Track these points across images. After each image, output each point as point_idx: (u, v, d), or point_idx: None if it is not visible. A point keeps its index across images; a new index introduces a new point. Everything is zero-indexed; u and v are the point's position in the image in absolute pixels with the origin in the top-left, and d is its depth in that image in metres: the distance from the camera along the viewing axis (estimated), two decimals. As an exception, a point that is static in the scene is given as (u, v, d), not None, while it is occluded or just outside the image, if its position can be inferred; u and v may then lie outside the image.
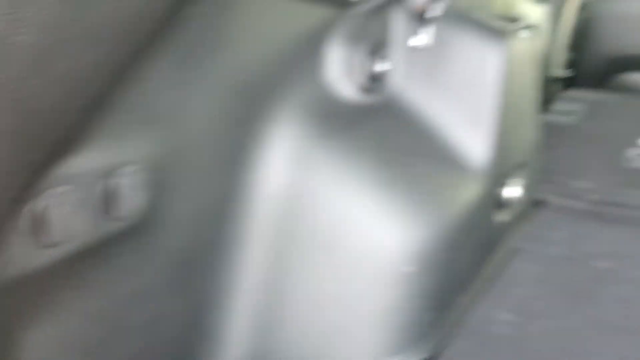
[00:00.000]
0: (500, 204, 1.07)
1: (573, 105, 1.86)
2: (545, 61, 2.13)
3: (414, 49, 0.87)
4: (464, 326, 0.88)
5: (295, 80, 0.80)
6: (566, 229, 1.19)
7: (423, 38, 0.83)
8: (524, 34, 1.07)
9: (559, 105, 1.88)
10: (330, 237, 0.79)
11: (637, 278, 1.02)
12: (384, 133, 0.85)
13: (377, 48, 0.86)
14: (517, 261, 1.06)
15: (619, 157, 1.55)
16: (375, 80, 0.86)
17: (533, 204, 1.31)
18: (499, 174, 1.01)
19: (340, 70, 0.84)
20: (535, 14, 1.99)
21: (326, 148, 0.81)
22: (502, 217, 1.07)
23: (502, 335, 0.86)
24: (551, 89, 2.19)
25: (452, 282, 0.89)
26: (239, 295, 0.79)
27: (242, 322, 0.78)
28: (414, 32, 0.83)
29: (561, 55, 2.24)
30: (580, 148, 1.61)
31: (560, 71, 2.23)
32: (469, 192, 0.90)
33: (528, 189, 1.16)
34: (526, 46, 1.06)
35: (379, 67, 0.86)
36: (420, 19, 0.82)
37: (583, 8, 2.17)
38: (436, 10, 0.82)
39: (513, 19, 1.39)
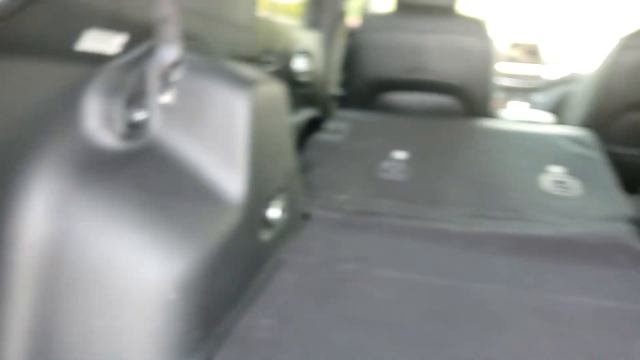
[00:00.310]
0: (266, 223, 1.23)
1: (341, 124, 2.15)
2: (323, 81, 2.41)
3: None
4: (231, 335, 1.01)
5: (52, 135, 0.85)
6: (324, 239, 1.42)
7: (168, 97, 0.94)
8: (272, 79, 1.24)
9: (329, 125, 2.16)
10: (97, 277, 0.86)
11: (376, 276, 1.27)
12: (145, 177, 0.94)
13: (135, 98, 0.95)
14: (280, 271, 1.24)
15: (375, 170, 1.86)
16: (134, 128, 0.95)
17: (302, 217, 1.52)
18: (260, 200, 1.17)
19: (99, 121, 0.91)
20: (309, 40, 2.25)
21: (88, 195, 0.87)
22: (267, 234, 1.24)
23: (262, 339, 1.02)
24: (330, 105, 2.50)
25: (219, 299, 1.02)
26: (6, 344, 0.81)
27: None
28: (162, 90, 0.94)
29: (335, 76, 2.55)
30: (344, 164, 1.88)
31: (335, 90, 2.55)
32: (228, 221, 1.04)
33: (291, 207, 1.35)
34: (274, 88, 1.23)
35: (138, 116, 0.95)
36: (164, 80, 0.93)
37: (350, 36, 2.50)
38: (176, 75, 0.93)
39: (270, 60, 1.57)
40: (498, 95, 3.37)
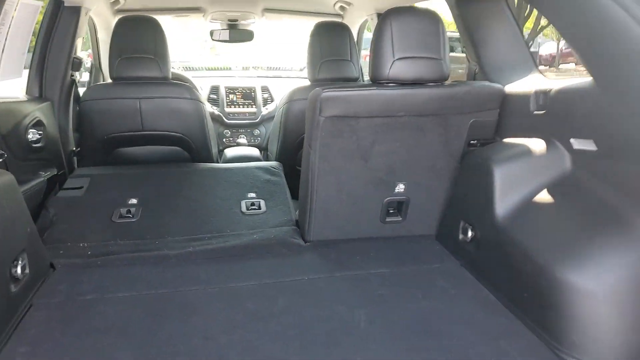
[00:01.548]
0: (14, 278, 1.61)
1: (80, 180, 2.55)
2: (60, 143, 2.75)
3: None
4: None
5: None
6: (67, 281, 1.84)
7: None
8: None
9: (69, 182, 2.54)
10: None
11: (110, 299, 1.73)
12: None
13: None
14: (31, 313, 1.63)
15: (112, 216, 2.31)
16: None
17: (49, 267, 1.90)
18: (4, 262, 1.55)
19: None
20: (40, 111, 2.57)
21: None
22: (16, 287, 1.61)
23: (22, 361, 1.42)
24: (70, 163, 2.83)
25: None
26: None
27: None
28: None
29: (72, 136, 2.90)
30: (84, 216, 2.29)
31: (74, 148, 2.90)
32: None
33: (35, 262, 1.74)
34: (4, 178, 1.63)
35: None
36: None
37: (77, 101, 2.88)
38: None
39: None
40: (226, 133, 4.10)
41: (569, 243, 1.59)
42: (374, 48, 1.96)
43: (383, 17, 1.95)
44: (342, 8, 3.66)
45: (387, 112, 1.96)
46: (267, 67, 5.02)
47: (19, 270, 1.63)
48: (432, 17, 1.97)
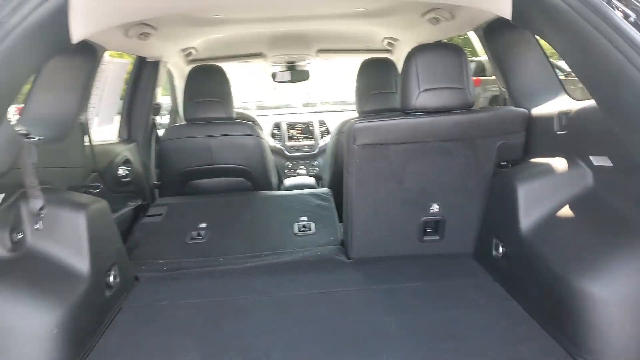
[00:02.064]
0: (107, 285, 1.99)
1: (159, 209, 2.97)
2: (144, 178, 3.19)
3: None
4: (93, 349, 1.76)
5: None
6: (148, 290, 2.20)
7: (40, 225, 1.71)
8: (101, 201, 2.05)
9: (151, 210, 2.97)
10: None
11: (181, 304, 2.07)
12: (28, 269, 1.67)
13: (16, 226, 1.69)
14: (121, 312, 2.00)
15: (185, 238, 2.69)
16: (16, 244, 1.68)
17: (133, 279, 2.28)
18: (101, 271, 1.93)
19: (-5, 243, 1.62)
20: (128, 151, 3.04)
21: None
22: (109, 292, 1.99)
23: (115, 349, 1.77)
24: (152, 194, 3.28)
25: (84, 330, 1.74)
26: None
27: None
28: (35, 221, 1.70)
29: (154, 171, 3.36)
30: (163, 238, 2.68)
31: (155, 181, 3.36)
32: (82, 286, 1.78)
33: (123, 273, 2.12)
34: (100, 205, 2.04)
35: (16, 237, 1.68)
36: (36, 215, 1.69)
37: (157, 141, 3.35)
38: (43, 212, 1.70)
39: (96, 184, 2.36)
40: (288, 165, 4.47)
41: (586, 254, 1.70)
42: (402, 82, 2.22)
43: (408, 55, 2.21)
44: (390, 44, 3.95)
45: (415, 139, 2.19)
46: (334, 102, 5.39)
47: (111, 279, 2.01)
48: (454, 51, 2.20)
